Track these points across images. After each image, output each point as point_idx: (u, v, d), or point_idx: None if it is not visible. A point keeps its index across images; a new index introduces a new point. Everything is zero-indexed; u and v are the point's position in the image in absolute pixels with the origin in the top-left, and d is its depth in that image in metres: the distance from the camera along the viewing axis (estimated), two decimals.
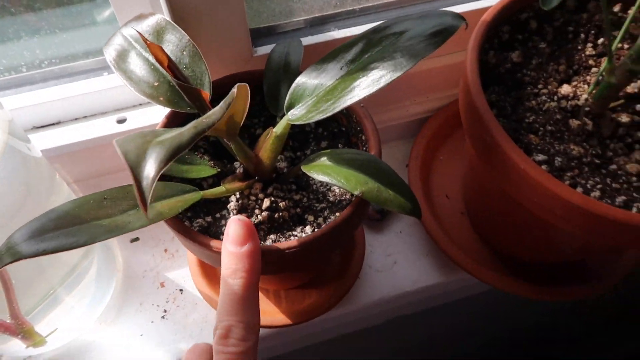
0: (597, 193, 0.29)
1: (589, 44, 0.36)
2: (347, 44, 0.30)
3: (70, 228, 0.26)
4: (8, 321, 0.36)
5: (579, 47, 0.36)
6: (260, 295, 0.42)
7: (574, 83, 0.35)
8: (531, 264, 0.42)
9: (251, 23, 0.43)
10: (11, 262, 0.24)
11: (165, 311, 0.43)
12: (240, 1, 0.38)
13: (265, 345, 0.48)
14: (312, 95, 0.31)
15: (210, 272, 0.43)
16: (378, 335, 0.64)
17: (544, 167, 0.30)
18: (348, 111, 0.36)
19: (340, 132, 0.38)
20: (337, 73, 0.30)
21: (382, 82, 0.27)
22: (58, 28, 0.45)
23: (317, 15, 0.44)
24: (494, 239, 0.43)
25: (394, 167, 0.50)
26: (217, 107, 0.22)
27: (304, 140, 0.38)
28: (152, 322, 0.43)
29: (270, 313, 0.41)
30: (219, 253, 0.30)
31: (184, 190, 0.31)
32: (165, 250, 0.47)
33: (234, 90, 0.23)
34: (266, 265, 0.31)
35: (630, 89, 0.34)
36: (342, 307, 0.43)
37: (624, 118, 0.33)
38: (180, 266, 0.46)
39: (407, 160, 0.49)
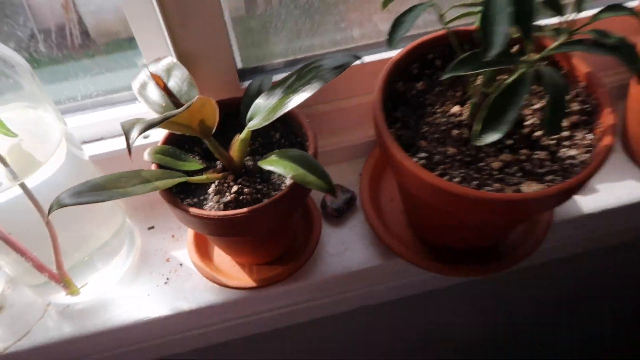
0: (458, 179, 0.41)
1: (480, 77, 0.48)
2: (287, 76, 0.44)
3: (98, 192, 0.40)
4: (54, 271, 0.50)
5: (472, 79, 0.48)
6: (237, 267, 0.55)
7: (466, 105, 0.47)
8: (451, 249, 0.52)
9: (241, 64, 0.58)
10: (58, 208, 0.39)
11: (167, 279, 0.57)
12: (228, 50, 0.53)
13: (243, 321, 0.60)
14: (263, 110, 0.44)
15: (202, 249, 0.56)
16: (345, 324, 0.75)
17: (423, 161, 0.42)
18: (301, 126, 0.50)
19: (296, 141, 0.51)
20: (280, 95, 0.44)
21: (302, 98, 0.40)
22: (106, 69, 0.61)
23: (290, 58, 0.59)
24: (418, 229, 0.54)
25: (353, 179, 0.63)
26: (181, 107, 0.36)
27: (271, 148, 0.52)
28: (157, 286, 0.56)
29: (244, 280, 0.53)
30: (195, 217, 0.43)
31: (176, 176, 0.45)
32: (173, 236, 0.60)
33: (195, 98, 0.37)
34: (225, 228, 0.44)
35: None
36: (301, 280, 0.55)
37: None
38: (183, 247, 0.59)
39: None
